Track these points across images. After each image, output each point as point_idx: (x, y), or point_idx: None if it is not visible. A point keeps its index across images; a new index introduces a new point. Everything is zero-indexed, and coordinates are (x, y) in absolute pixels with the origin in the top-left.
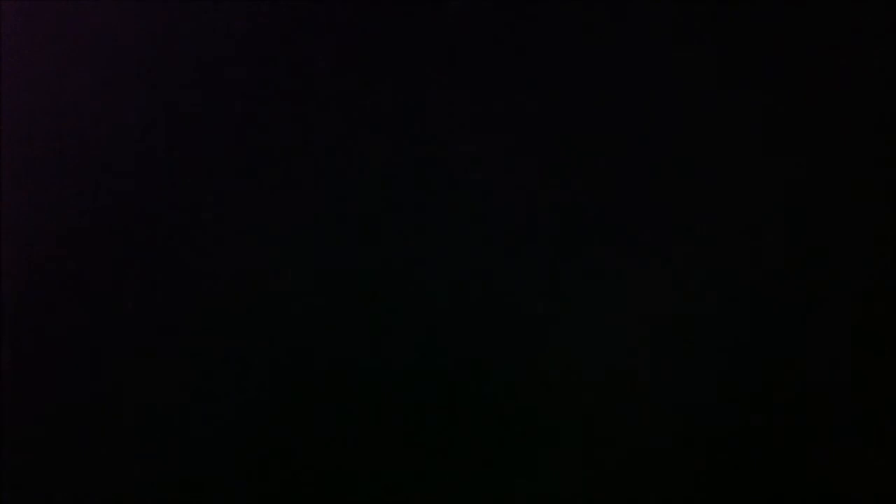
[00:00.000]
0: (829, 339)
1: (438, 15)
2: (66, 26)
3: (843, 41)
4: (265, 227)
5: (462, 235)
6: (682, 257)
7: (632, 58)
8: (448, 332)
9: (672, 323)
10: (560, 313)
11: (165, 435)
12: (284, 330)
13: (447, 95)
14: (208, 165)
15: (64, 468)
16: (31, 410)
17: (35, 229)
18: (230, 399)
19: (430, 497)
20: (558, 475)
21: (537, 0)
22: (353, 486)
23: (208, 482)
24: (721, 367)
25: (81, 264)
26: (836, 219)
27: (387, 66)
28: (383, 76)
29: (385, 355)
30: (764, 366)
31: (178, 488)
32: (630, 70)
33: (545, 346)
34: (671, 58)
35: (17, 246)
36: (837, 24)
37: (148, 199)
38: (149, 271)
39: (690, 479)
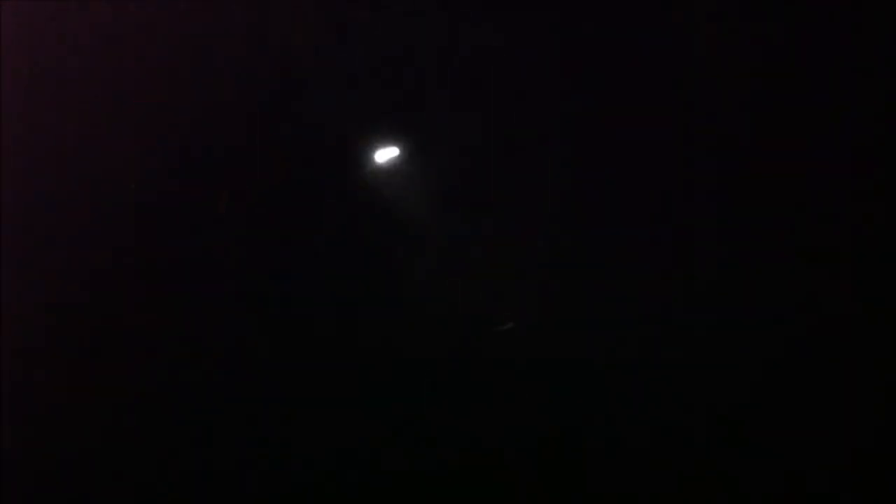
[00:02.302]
0: (829, 340)
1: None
2: (65, 26)
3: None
4: (268, 232)
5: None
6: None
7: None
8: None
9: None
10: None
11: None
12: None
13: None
14: (208, 165)
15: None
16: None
17: (35, 230)
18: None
19: None
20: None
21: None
22: None
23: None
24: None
25: (82, 264)
26: (836, 218)
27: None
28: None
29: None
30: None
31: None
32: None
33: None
34: (667, 57)
35: (16, 246)
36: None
37: (148, 199)
38: (151, 272)
39: (689, 479)
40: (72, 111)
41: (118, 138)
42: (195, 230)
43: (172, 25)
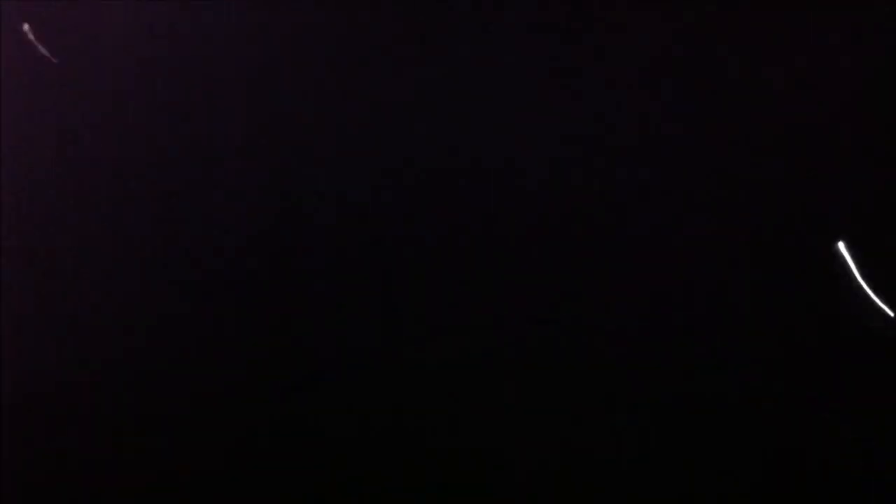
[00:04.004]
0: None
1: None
2: (66, 26)
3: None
4: (264, 231)
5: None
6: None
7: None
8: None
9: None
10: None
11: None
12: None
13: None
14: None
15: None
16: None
17: (35, 229)
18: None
19: None
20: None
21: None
22: None
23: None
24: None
25: (82, 264)
26: (835, 218)
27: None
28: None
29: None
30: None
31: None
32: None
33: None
34: (666, 60)
35: (17, 246)
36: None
37: (148, 197)
38: (146, 272)
39: (689, 478)
40: (72, 110)
41: (118, 137)
42: (197, 228)
43: (172, 25)
